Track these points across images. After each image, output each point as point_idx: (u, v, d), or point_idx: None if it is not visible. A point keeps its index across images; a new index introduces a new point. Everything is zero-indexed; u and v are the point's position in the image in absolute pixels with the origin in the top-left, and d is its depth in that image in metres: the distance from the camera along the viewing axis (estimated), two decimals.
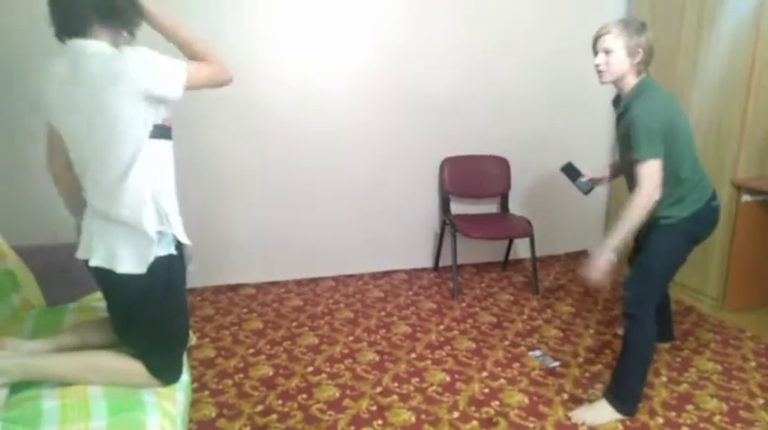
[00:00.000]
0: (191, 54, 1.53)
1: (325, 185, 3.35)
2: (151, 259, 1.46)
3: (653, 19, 3.33)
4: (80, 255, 1.54)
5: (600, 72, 1.98)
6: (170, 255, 1.53)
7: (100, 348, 1.61)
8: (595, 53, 1.98)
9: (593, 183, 2.41)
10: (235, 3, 2.95)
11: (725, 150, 2.92)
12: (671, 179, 1.94)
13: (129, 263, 1.45)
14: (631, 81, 1.96)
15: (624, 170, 2.18)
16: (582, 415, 2.08)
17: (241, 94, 3.02)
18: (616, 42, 1.91)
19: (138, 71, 1.38)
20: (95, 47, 1.41)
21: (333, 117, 3.26)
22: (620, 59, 1.92)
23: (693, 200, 1.99)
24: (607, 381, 2.25)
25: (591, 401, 2.16)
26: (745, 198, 2.87)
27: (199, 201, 3.03)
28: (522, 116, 3.57)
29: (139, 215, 1.44)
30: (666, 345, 2.60)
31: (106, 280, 1.51)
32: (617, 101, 2.09)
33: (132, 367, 1.53)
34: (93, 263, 1.47)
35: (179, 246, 1.57)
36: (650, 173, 1.87)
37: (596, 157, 3.72)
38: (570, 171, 2.44)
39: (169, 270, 1.53)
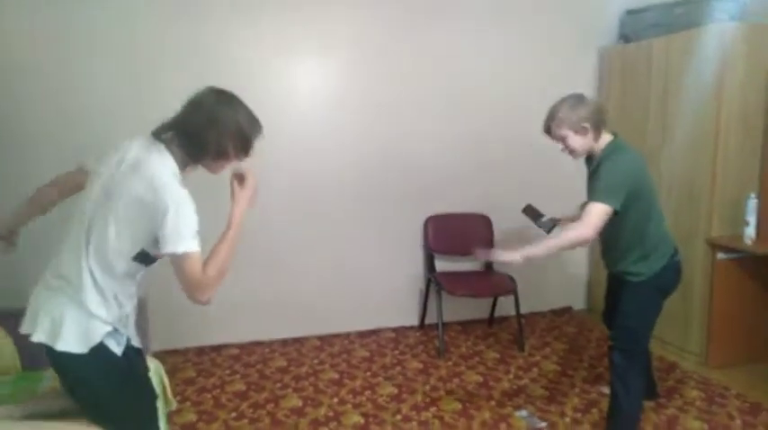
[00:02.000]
0: (215, 248, 1.51)
1: (309, 244, 3.38)
2: (95, 342, 1.43)
3: (623, 86, 3.52)
4: (24, 328, 1.48)
5: (569, 153, 2.11)
6: (115, 355, 1.49)
7: (75, 416, 1.57)
8: (555, 141, 2.11)
9: (554, 222, 2.49)
10: (223, 64, 3.08)
11: (698, 211, 3.03)
12: (637, 235, 2.04)
13: (72, 341, 1.41)
14: (598, 144, 2.07)
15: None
16: None
17: None
18: (561, 129, 2.05)
19: (161, 210, 1.39)
20: (164, 161, 1.47)
21: (316, 178, 3.34)
22: (574, 140, 2.05)
23: (658, 256, 2.07)
24: None
25: None
26: (720, 256, 2.95)
27: None
28: (504, 174, 3.68)
29: (99, 308, 1.44)
30: (651, 403, 2.60)
31: (49, 356, 1.45)
32: (589, 158, 2.19)
33: None
34: (36, 338, 1.42)
35: (132, 349, 1.57)
36: (597, 214, 1.91)
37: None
38: (531, 212, 2.55)
39: (114, 365, 1.48)
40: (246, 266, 3.27)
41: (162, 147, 1.49)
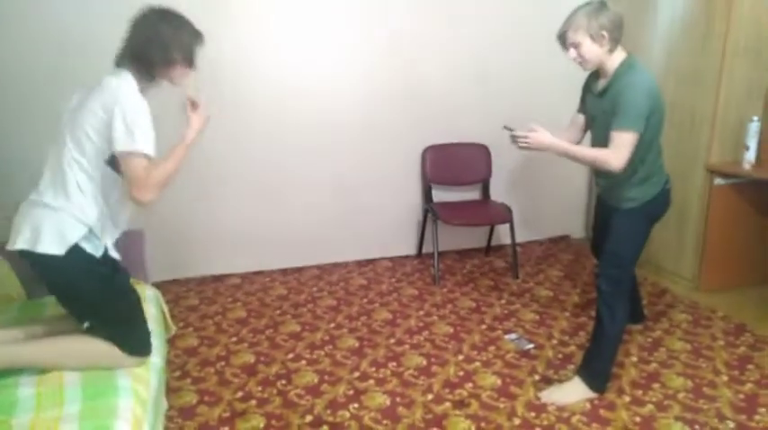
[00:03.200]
0: (163, 158, 1.65)
1: (309, 175, 3.39)
2: (71, 242, 1.53)
3: (630, 9, 3.34)
4: (9, 245, 1.58)
5: (579, 64, 2.02)
6: (93, 256, 1.60)
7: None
8: (566, 49, 2.02)
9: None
10: (230, 8, 2.99)
11: (698, 136, 2.96)
12: (638, 161, 2.00)
13: (49, 242, 1.52)
14: (612, 59, 1.98)
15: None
16: (551, 395, 2.15)
17: (224, 87, 3.07)
18: (578, 34, 1.94)
19: (115, 112, 1.51)
20: (124, 77, 1.61)
21: (315, 108, 3.29)
22: (589, 48, 1.95)
23: (654, 183, 2.07)
24: (578, 362, 2.33)
25: (561, 382, 2.24)
26: (718, 181, 2.92)
27: (185, 192, 3.05)
28: (503, 103, 3.59)
29: (79, 200, 1.57)
30: (639, 326, 2.67)
31: (32, 263, 1.58)
32: (595, 74, 2.11)
33: (104, 347, 1.60)
34: (17, 245, 1.54)
35: (111, 259, 1.69)
36: (626, 143, 1.89)
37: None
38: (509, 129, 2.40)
39: (92, 264, 1.60)
40: (247, 198, 3.32)
41: (124, 70, 1.62)
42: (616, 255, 2.12)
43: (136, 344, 1.66)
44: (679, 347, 2.50)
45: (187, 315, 2.87)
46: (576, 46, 1.96)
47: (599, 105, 2.07)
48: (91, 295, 1.62)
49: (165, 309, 2.18)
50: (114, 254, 1.70)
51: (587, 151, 2.02)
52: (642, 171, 2.04)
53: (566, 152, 2.03)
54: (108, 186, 1.63)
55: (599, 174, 2.19)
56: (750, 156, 2.81)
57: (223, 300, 3.07)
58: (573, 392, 2.14)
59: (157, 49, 1.62)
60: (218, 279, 3.35)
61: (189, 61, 1.70)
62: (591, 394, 2.14)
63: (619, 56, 1.98)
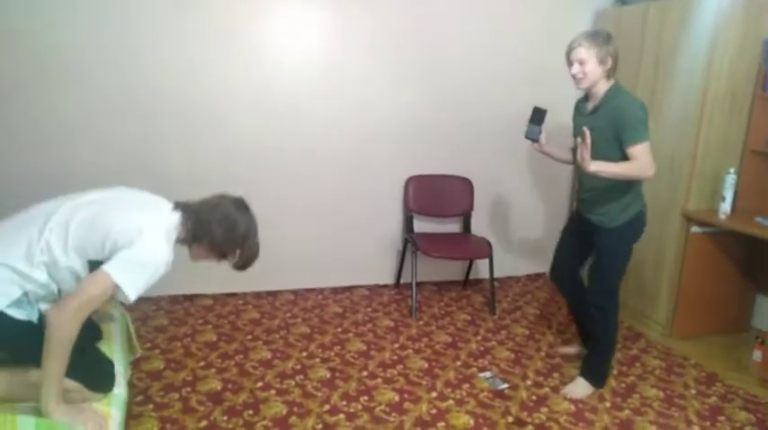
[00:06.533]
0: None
1: (289, 198, 3.35)
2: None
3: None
4: None
5: (578, 80, 2.18)
6: (19, 321, 1.49)
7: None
8: (570, 64, 2.19)
9: (541, 140, 2.38)
10: (207, 22, 2.96)
11: (677, 183, 3.02)
12: (625, 184, 2.19)
13: None
14: (603, 85, 2.18)
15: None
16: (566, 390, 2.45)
17: (206, 110, 3.04)
18: (588, 53, 2.13)
19: (129, 240, 1.50)
20: (168, 219, 1.66)
21: (298, 133, 3.27)
22: (593, 68, 2.14)
23: (635, 206, 2.26)
24: (552, 404, 2.30)
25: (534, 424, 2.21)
26: (695, 229, 2.97)
27: None
28: (487, 137, 3.63)
29: (27, 273, 1.48)
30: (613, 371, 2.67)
31: None
32: (585, 98, 2.30)
33: (70, 384, 1.50)
34: None
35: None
36: (645, 152, 2.07)
37: (564, 176, 3.84)
38: (538, 113, 2.36)
39: (20, 329, 1.49)
40: None
41: (178, 213, 1.69)
42: (603, 269, 2.30)
43: (97, 380, 1.57)
44: (652, 394, 2.50)
45: (155, 336, 2.77)
46: (583, 63, 2.13)
47: (586, 123, 2.18)
48: (29, 358, 1.47)
49: (132, 330, 2.10)
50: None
51: (623, 166, 2.10)
52: (627, 197, 2.23)
53: (605, 171, 2.06)
54: (66, 274, 1.54)
55: (586, 183, 2.30)
56: (726, 206, 2.86)
57: (193, 321, 2.98)
58: (583, 386, 2.45)
59: (221, 232, 1.71)
60: (190, 299, 3.25)
61: (241, 268, 1.86)
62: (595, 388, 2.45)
63: (608, 83, 2.19)
